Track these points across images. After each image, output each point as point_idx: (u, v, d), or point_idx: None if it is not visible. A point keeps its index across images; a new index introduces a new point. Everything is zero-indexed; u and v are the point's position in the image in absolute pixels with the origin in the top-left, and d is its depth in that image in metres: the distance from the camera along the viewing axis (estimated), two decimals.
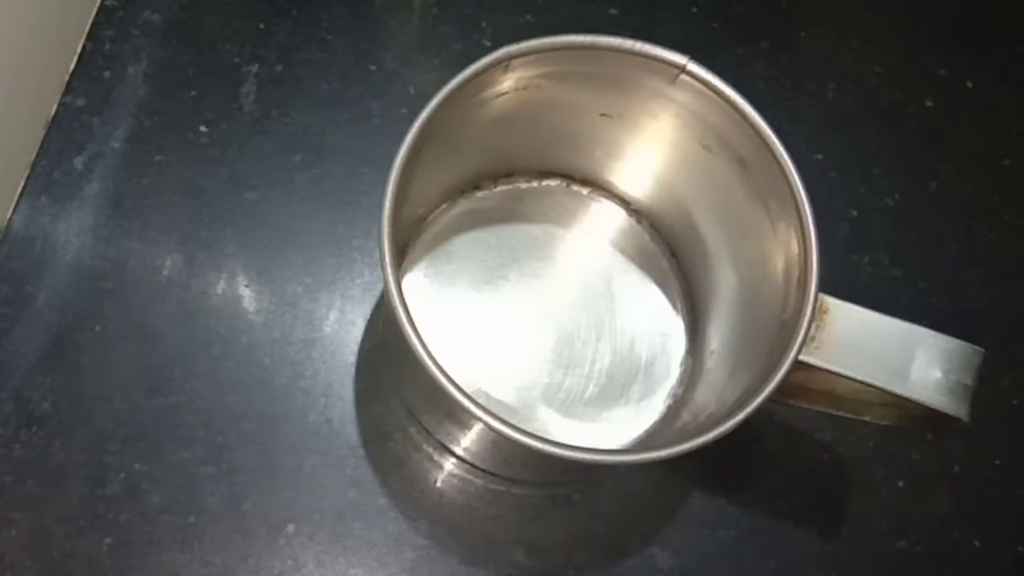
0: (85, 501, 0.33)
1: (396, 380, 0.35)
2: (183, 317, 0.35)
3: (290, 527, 0.33)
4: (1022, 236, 0.39)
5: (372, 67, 0.39)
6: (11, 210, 0.36)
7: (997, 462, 0.36)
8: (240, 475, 0.33)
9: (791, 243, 0.27)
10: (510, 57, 0.27)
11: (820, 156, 0.39)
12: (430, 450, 0.34)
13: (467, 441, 0.32)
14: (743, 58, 0.41)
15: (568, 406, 0.33)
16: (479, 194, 0.35)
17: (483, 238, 0.35)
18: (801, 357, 0.25)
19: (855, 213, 0.39)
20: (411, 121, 0.26)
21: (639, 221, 0.35)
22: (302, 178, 0.37)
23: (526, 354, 0.34)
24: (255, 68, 0.38)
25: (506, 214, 0.35)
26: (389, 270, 0.25)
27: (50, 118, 0.37)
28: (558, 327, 0.34)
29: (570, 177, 0.35)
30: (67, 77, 0.37)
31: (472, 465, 0.34)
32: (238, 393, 0.34)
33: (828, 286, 0.26)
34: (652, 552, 0.34)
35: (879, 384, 0.26)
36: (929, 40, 0.42)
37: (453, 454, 0.34)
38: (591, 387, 0.33)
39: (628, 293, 0.35)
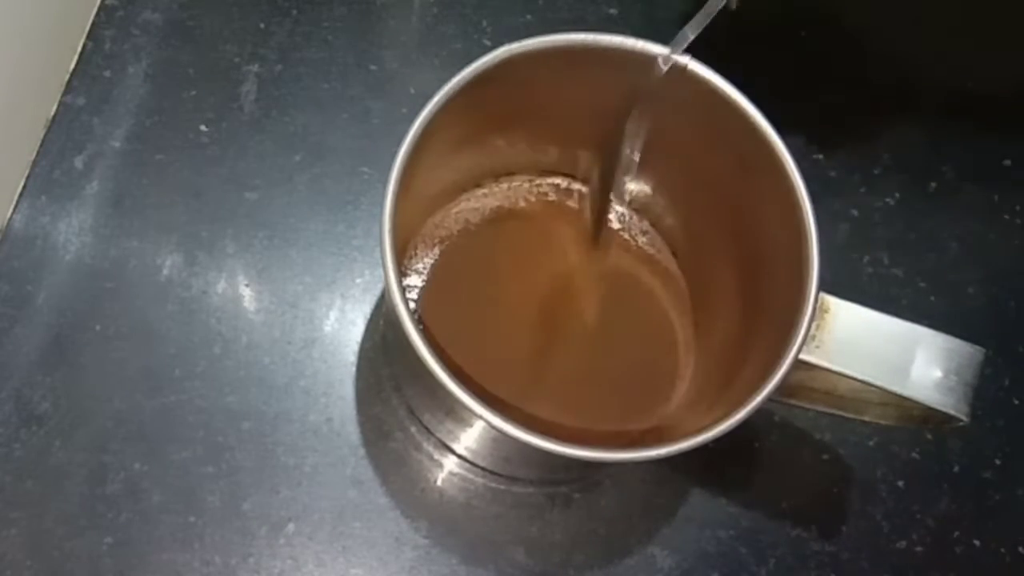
0: (85, 501, 0.33)
1: (396, 379, 0.35)
2: (183, 317, 0.35)
3: (290, 527, 0.33)
4: (1022, 236, 0.39)
5: (372, 67, 0.39)
6: (11, 210, 0.36)
7: (997, 462, 0.36)
8: (240, 475, 0.33)
9: (791, 243, 0.27)
10: (510, 57, 0.27)
11: (820, 156, 0.39)
12: (430, 449, 0.34)
13: (468, 439, 0.32)
14: (743, 58, 0.41)
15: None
16: (479, 192, 0.35)
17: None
18: (801, 356, 0.25)
19: (855, 213, 0.39)
20: (411, 121, 0.26)
21: (639, 221, 0.35)
22: (302, 178, 0.37)
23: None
24: (255, 68, 0.38)
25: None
26: (389, 270, 0.25)
27: (50, 118, 0.37)
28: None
29: (570, 176, 0.35)
30: (67, 76, 0.37)
31: (472, 464, 0.34)
32: (238, 393, 0.34)
33: (828, 286, 0.26)
34: (652, 552, 0.34)
35: (879, 384, 0.26)
36: (929, 40, 0.42)
37: (454, 453, 0.34)
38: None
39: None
